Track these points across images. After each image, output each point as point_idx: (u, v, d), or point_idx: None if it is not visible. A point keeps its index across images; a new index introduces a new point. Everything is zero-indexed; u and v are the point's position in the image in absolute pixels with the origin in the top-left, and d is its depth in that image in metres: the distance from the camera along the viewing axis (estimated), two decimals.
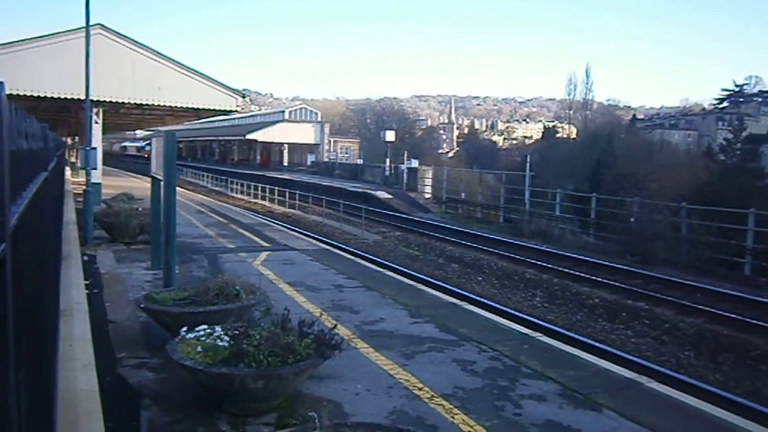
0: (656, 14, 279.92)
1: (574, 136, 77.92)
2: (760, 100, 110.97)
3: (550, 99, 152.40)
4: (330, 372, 5.71)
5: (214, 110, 23.64)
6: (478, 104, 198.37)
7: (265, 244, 14.95)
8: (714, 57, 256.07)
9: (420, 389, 5.64)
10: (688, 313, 12.25)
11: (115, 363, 6.05)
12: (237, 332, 5.09)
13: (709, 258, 17.92)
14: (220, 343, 5.04)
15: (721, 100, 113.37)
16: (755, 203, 25.52)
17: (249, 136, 67.36)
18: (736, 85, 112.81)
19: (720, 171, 41.99)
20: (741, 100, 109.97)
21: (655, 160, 56.99)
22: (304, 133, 69.99)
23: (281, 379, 4.82)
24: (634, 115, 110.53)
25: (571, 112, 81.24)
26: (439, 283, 13.71)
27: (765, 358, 9.93)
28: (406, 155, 43.22)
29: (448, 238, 22.03)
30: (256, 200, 36.33)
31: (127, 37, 21.06)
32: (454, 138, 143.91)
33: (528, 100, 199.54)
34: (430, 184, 36.91)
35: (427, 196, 36.04)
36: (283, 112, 78.31)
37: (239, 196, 39.36)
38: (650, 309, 12.53)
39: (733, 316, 11.80)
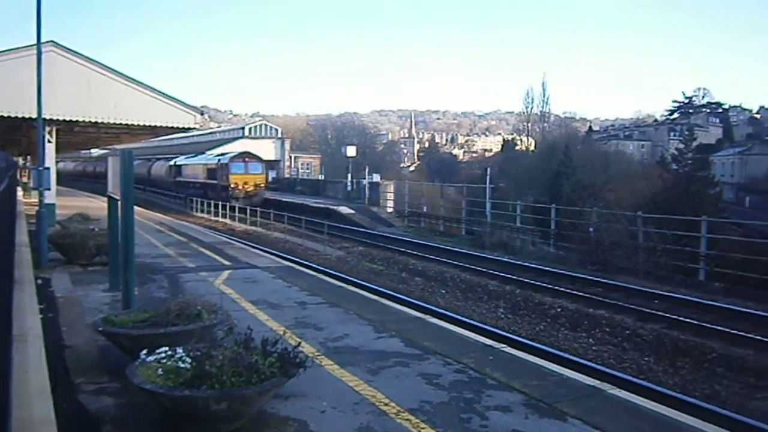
0: (609, 29, 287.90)
1: (532, 148, 79.27)
2: (708, 111, 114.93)
3: (509, 112, 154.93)
4: (295, 390, 5.65)
5: (172, 128, 23.30)
6: (438, 118, 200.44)
7: (226, 262, 14.76)
8: (665, 70, 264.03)
9: (386, 405, 5.62)
10: (647, 319, 12.50)
11: (72, 389, 5.87)
12: (199, 353, 4.99)
13: (666, 265, 18.36)
14: (182, 365, 4.94)
15: (672, 111, 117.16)
16: (707, 210, 26.38)
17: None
18: (686, 97, 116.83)
19: (673, 180, 43.22)
20: (691, 111, 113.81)
21: (611, 170, 58.37)
22: (265, 150, 69.52)
23: (245, 400, 4.75)
24: (590, 127, 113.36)
25: (529, 124, 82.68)
26: (404, 297, 13.73)
27: (721, 361, 10.18)
28: (367, 170, 43.44)
29: (411, 251, 22.11)
30: (217, 218, 35.91)
31: (81, 54, 20.66)
32: (415, 152, 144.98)
33: (487, 113, 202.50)
34: (392, 198, 37.04)
35: (390, 210, 36.14)
36: (243, 128, 77.89)
37: (199, 214, 38.86)
38: (611, 317, 12.75)
39: (689, 321, 12.09)
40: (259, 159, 44.50)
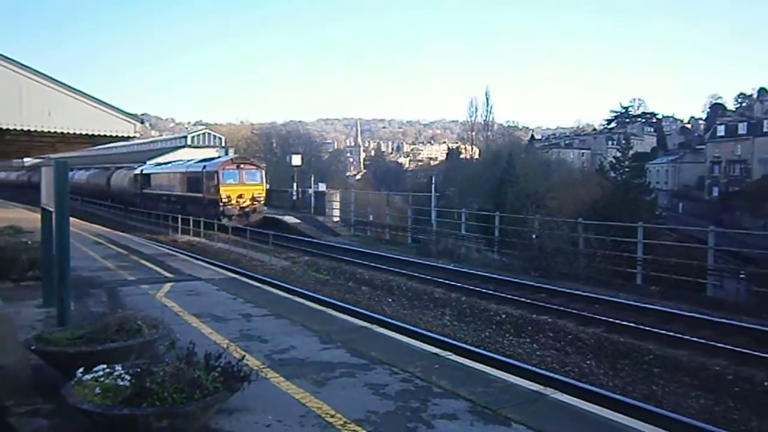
0: (547, 40, 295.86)
1: (477, 156, 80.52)
2: (643, 120, 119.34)
3: (453, 121, 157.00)
4: (240, 405, 5.55)
5: (111, 137, 22.56)
6: (384, 127, 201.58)
7: (168, 274, 14.41)
8: (601, 80, 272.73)
9: (332, 416, 5.58)
10: (588, 323, 12.83)
11: (3, 412, 5.60)
12: (139, 370, 4.85)
13: (605, 270, 18.92)
14: (121, 383, 4.79)
15: (610, 121, 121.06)
16: (643, 217, 27.34)
17: (150, 163, 64.91)
18: (623, 107, 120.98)
19: (611, 187, 44.67)
20: (627, 120, 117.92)
21: (553, 178, 59.90)
22: None
23: (188, 417, 4.63)
24: (532, 136, 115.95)
25: (473, 133, 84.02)
26: (350, 307, 13.69)
27: (658, 362, 10.53)
28: (313, 179, 43.11)
29: (357, 261, 22.09)
30: (159, 229, 35.03)
31: (12, 60, 19.76)
32: (361, 161, 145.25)
33: (432, 122, 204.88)
34: (338, 207, 36.95)
35: (336, 219, 36.02)
36: (186, 137, 76.23)
37: (140, 225, 37.83)
38: (554, 321, 13.03)
39: (628, 324, 12.47)
40: (257, 165, 35.75)
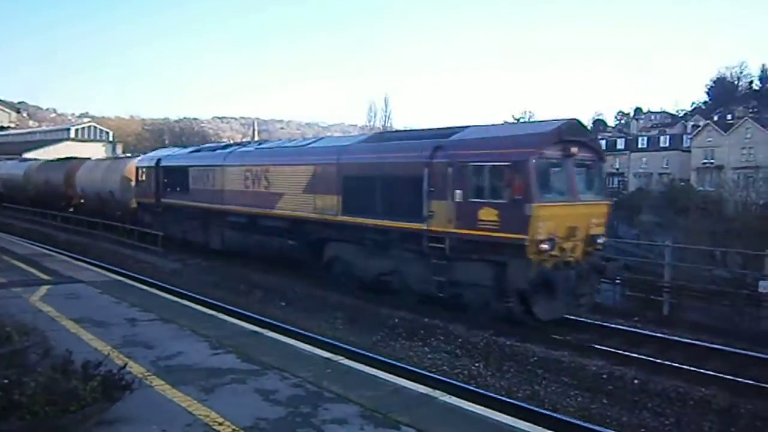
0: (446, 48, 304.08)
1: None
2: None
3: (353, 125, 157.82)
4: (121, 415, 5.29)
5: None
6: (282, 128, 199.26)
7: (45, 276, 13.50)
8: (496, 88, 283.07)
9: (220, 424, 5.45)
10: (477, 327, 13.21)
11: None
12: (7, 381, 4.51)
13: None
14: None
15: None
16: None
17: (27, 155, 60.41)
18: (515, 119, 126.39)
19: None
20: None
21: None
22: (94, 154, 64.75)
23: (62, 431, 4.36)
24: None
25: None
26: (242, 312, 13.39)
27: (541, 363, 11.05)
28: None
29: (251, 264, 21.58)
30: (35, 227, 32.72)
31: None
32: None
33: (331, 125, 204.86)
34: None
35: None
36: (69, 129, 71.90)
37: (14, 222, 35.17)
38: (445, 326, 13.34)
39: (515, 327, 12.98)
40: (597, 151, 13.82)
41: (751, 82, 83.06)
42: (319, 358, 7.83)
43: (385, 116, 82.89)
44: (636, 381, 9.93)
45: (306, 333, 11.93)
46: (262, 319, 12.78)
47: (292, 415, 5.77)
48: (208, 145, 30.66)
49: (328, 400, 6.18)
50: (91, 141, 67.67)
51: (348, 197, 15.50)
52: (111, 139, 71.03)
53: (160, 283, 16.18)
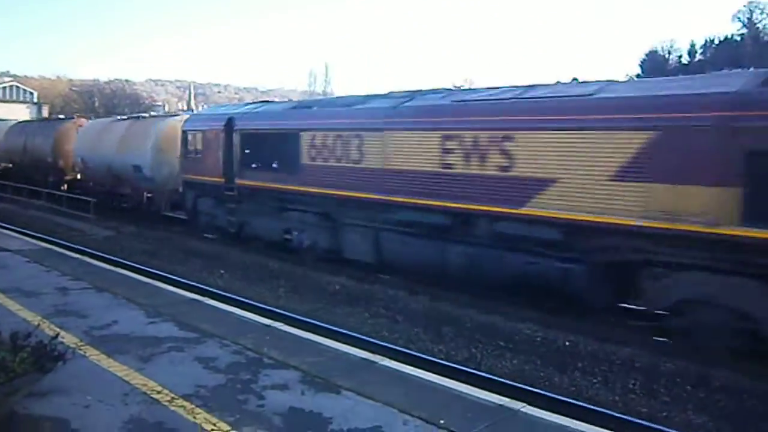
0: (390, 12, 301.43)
1: None
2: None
3: (292, 90, 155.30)
4: (55, 386, 5.16)
5: None
6: (219, 92, 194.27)
7: None
8: (438, 55, 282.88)
9: (159, 392, 5.39)
10: (417, 293, 13.41)
11: None
12: None
13: None
14: None
15: None
16: None
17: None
18: (454, 86, 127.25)
19: None
20: None
21: None
22: (17, 115, 61.63)
23: None
24: None
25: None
26: (179, 279, 13.16)
27: (479, 328, 11.34)
28: None
29: (188, 231, 21.17)
30: None
31: None
32: None
33: (270, 89, 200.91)
34: None
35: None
36: None
37: None
38: (385, 291, 13.50)
39: (451, 293, 13.24)
40: None
41: (680, 56, 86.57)
42: (260, 325, 7.82)
43: (325, 81, 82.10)
44: (567, 343, 10.33)
45: (246, 300, 11.84)
46: (201, 286, 12.60)
47: (232, 381, 5.76)
48: (335, 97, 23.53)
49: (268, 367, 6.20)
50: (13, 102, 64.25)
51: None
52: (36, 100, 67.59)
53: (92, 251, 15.69)
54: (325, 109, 16.00)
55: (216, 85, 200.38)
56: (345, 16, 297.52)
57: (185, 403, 5.19)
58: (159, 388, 5.46)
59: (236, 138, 17.22)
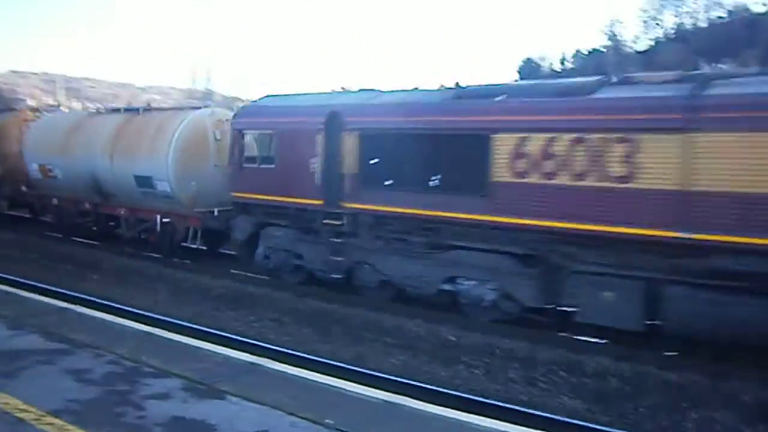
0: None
1: None
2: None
3: (172, 87, 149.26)
4: None
5: None
6: (92, 86, 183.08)
7: None
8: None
9: (24, 411, 4.98)
10: (306, 295, 13.25)
11: None
12: None
13: None
14: None
15: None
16: None
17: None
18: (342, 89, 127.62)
19: None
20: None
21: None
22: None
23: None
24: None
25: (195, 101, 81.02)
26: (46, 287, 12.25)
27: (366, 326, 11.42)
28: None
29: (56, 235, 19.73)
30: None
31: None
32: None
33: (149, 86, 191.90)
34: None
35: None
36: None
37: None
38: (271, 294, 13.28)
39: (340, 294, 13.23)
40: None
41: (551, 64, 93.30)
42: (138, 333, 7.45)
43: (207, 80, 79.71)
44: (452, 338, 10.66)
45: (122, 307, 11.23)
46: (70, 293, 11.79)
47: (108, 393, 5.45)
48: (538, 83, 14.18)
49: (148, 376, 5.92)
50: None
51: None
52: None
53: None
54: (535, 99, 10.55)
55: (88, 79, 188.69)
56: (226, 14, 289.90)
57: (55, 420, 4.83)
58: (24, 406, 5.05)
59: (349, 141, 12.05)
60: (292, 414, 5.25)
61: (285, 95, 14.95)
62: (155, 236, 16.10)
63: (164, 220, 15.71)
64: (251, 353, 7.17)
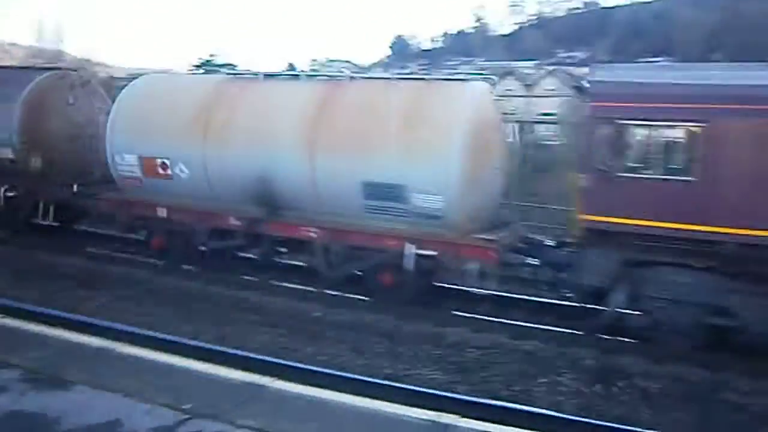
0: None
1: None
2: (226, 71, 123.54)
3: (13, 44, 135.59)
4: None
5: None
6: None
7: None
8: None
9: None
10: (165, 274, 12.68)
11: None
12: None
13: None
14: None
15: (199, 66, 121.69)
16: None
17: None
18: (210, 56, 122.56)
19: None
20: (213, 69, 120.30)
21: None
22: None
23: None
24: (111, 75, 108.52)
25: (42, 61, 74.07)
26: None
27: (231, 305, 11.14)
28: None
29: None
30: None
31: None
32: None
33: None
34: None
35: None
36: None
37: None
38: (130, 272, 12.60)
39: (204, 271, 12.77)
40: None
41: (420, 42, 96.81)
42: None
43: (58, 40, 73.22)
44: (318, 314, 10.70)
45: None
46: None
47: None
48: None
49: None
50: None
51: None
52: None
53: None
54: None
55: None
56: None
57: None
58: None
59: None
60: (147, 401, 4.98)
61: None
62: (394, 277, 10.73)
63: (420, 251, 10.47)
64: (103, 337, 6.72)
